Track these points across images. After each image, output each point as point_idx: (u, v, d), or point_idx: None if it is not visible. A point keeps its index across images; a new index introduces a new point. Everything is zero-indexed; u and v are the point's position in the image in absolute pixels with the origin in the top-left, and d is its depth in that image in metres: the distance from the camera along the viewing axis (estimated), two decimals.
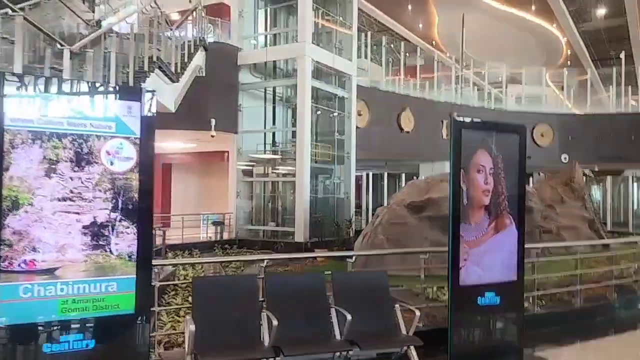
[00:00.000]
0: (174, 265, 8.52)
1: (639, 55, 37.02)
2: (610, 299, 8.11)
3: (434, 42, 38.74)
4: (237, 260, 9.71)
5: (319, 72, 17.16)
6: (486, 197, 5.31)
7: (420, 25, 36.97)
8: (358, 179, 23.46)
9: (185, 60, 12.67)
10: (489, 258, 5.34)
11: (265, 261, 5.31)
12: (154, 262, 4.56)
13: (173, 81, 11.44)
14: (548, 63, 35.17)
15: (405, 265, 10.42)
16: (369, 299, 4.80)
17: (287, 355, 3.99)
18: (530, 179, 23.68)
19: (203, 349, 4.01)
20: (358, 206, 22.65)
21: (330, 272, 5.04)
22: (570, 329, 6.75)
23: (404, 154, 23.06)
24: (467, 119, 5.50)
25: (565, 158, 26.63)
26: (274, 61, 16.22)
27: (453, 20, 34.13)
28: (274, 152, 16.12)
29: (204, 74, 15.08)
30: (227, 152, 16.44)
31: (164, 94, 10.95)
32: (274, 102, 16.32)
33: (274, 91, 16.32)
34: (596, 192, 26.22)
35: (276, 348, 4.06)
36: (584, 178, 28.71)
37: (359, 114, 20.90)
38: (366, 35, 23.05)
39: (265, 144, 16.31)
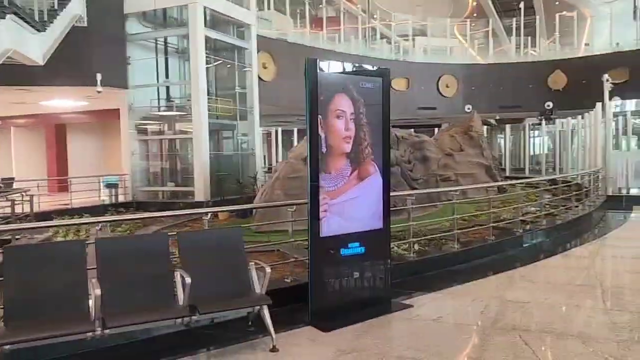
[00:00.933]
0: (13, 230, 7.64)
1: (539, 6, 38.59)
2: (488, 241, 8.33)
3: None
4: (105, 221, 8.95)
5: (216, 20, 16.22)
6: (347, 144, 5.05)
7: None
8: (268, 136, 22.96)
9: (55, 6, 11.38)
10: (352, 208, 5.13)
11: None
12: None
13: (39, 30, 10.23)
14: (455, 15, 35.74)
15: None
16: (221, 259, 4.44)
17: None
18: (436, 129, 24.20)
19: (111, 313, 3.65)
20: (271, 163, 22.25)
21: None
22: (443, 275, 6.83)
23: None
24: (325, 62, 5.14)
25: (468, 108, 27.42)
26: (164, 9, 15.06)
27: None
28: (169, 108, 15.19)
29: (85, 24, 13.74)
30: (119, 109, 15.30)
31: (27, 44, 9.77)
32: (166, 54, 15.25)
33: (166, 42, 15.22)
34: (498, 140, 27.43)
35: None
36: (487, 127, 30.07)
37: (265, 67, 20.23)
38: None
39: (159, 99, 15.32)
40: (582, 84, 24.55)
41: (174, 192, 15.20)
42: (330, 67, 5.06)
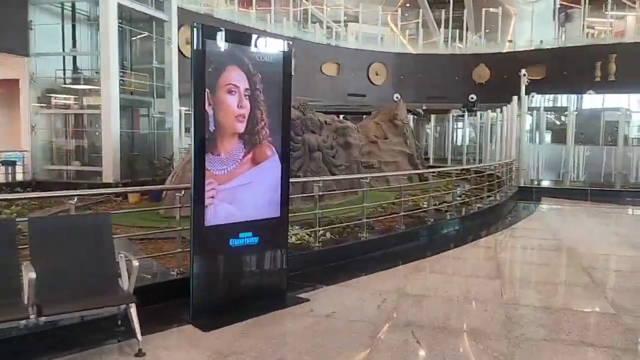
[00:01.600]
0: None
1: (468, 1, 39.47)
2: (398, 231, 8.18)
3: None
4: None
5: None
6: (240, 123, 4.57)
7: None
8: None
9: None
10: (245, 194, 4.67)
11: None
12: None
13: None
14: (388, 3, 35.83)
15: None
16: (82, 250, 3.87)
17: None
18: (365, 117, 24.11)
19: None
20: None
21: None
22: (348, 266, 6.56)
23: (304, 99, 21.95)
24: (216, 29, 4.62)
25: (397, 97, 27.64)
26: None
27: None
28: (76, 81, 13.99)
29: None
30: (19, 79, 13.92)
31: None
32: (73, 21, 13.99)
33: (74, 7, 13.96)
34: (426, 131, 27.85)
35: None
36: (414, 116, 30.50)
37: (187, 43, 19.25)
38: None
39: (64, 70, 14.08)
40: (504, 78, 25.33)
41: (80, 172, 14.11)
42: (222, 36, 4.53)
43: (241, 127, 4.58)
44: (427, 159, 24.92)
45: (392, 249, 7.60)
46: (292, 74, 5.40)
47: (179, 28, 18.55)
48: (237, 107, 4.52)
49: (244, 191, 4.66)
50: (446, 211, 10.09)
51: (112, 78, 13.15)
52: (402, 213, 8.51)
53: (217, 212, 4.49)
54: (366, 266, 6.56)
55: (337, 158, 12.95)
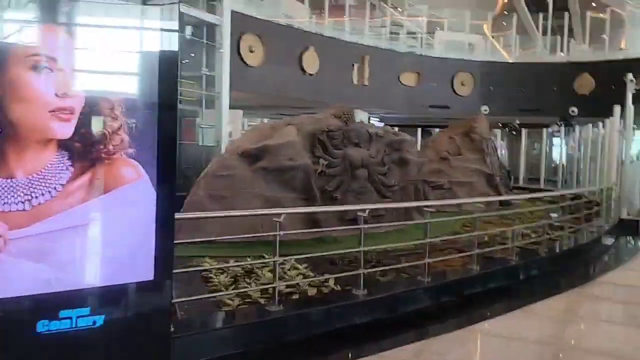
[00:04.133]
0: None
1: (573, 5, 35.49)
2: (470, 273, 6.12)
3: None
4: None
5: None
6: (62, 122, 2.83)
7: None
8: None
9: None
10: (71, 244, 2.89)
11: None
12: None
13: None
14: (485, 9, 33.00)
15: (232, 228, 8.30)
16: None
17: None
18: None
19: None
20: None
21: None
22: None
23: (305, 100, 20.61)
24: None
25: (485, 110, 24.90)
26: None
27: None
28: None
29: None
30: None
31: None
32: None
33: None
34: (513, 147, 24.81)
35: None
36: (508, 130, 27.37)
37: (251, 51, 18.27)
38: None
39: None
40: (610, 89, 21.72)
41: None
42: None
43: (63, 130, 2.81)
44: (517, 179, 21.99)
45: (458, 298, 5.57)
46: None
47: (241, 35, 17.65)
48: (54, 93, 2.78)
49: (71, 239, 2.87)
50: (527, 248, 7.82)
51: None
52: (475, 251, 6.41)
53: (10, 278, 2.71)
54: (408, 332, 4.64)
55: (389, 177, 10.97)
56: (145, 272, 3.00)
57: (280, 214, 5.28)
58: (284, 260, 6.32)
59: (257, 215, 7.92)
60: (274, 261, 4.94)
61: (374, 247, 6.68)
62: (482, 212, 8.58)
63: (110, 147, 2.83)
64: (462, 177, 14.39)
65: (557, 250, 8.41)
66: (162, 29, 3.21)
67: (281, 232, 5.07)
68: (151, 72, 2.99)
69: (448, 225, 9.01)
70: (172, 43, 3.23)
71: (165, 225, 2.98)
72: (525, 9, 38.13)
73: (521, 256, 7.41)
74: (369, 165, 10.48)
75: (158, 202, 2.94)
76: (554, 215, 10.50)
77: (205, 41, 14.47)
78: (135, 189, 2.89)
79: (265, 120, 20.42)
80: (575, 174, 18.30)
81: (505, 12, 36.39)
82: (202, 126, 14.47)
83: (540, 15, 27.71)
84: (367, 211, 6.05)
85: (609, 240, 10.60)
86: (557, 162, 22.00)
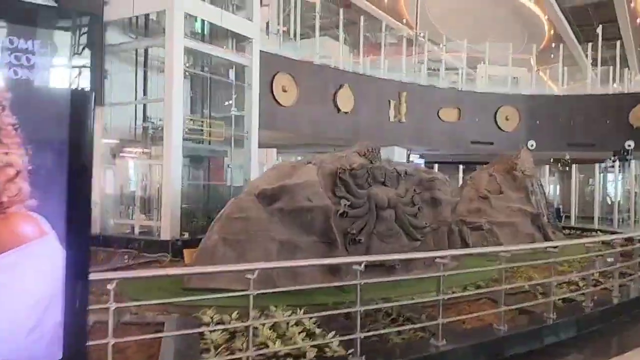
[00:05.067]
0: None
1: (627, 34, 34.03)
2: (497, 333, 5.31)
3: (404, 20, 35.81)
4: None
5: (212, 32, 14.31)
6: None
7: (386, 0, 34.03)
8: None
9: None
10: None
11: None
12: None
13: None
14: (531, 42, 32.09)
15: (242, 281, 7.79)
16: None
17: None
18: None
19: None
20: None
21: None
22: None
23: (341, 138, 20.17)
24: None
25: (532, 145, 23.70)
26: (146, 17, 13.32)
27: None
28: (146, 129, 13.22)
29: None
30: None
31: None
32: (145, 67, 13.39)
33: (146, 53, 13.39)
34: (563, 183, 23.35)
35: None
36: (561, 165, 25.85)
37: (284, 90, 18.15)
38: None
39: (136, 119, 13.42)
40: None
41: (144, 226, 13.12)
42: None
43: None
44: (567, 217, 20.56)
45: None
46: None
47: (274, 75, 17.58)
48: None
49: None
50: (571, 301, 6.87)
51: (175, 126, 12.08)
52: (502, 309, 5.61)
53: None
54: None
55: (420, 218, 10.19)
56: (53, 350, 2.43)
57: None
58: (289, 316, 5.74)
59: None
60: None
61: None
62: (532, 258, 7.68)
63: (5, 198, 2.32)
64: (503, 217, 13.38)
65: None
66: (73, 65, 2.77)
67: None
68: (59, 111, 2.49)
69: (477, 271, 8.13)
70: (84, 79, 2.78)
71: (76, 291, 2.43)
72: (574, 39, 36.92)
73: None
74: (397, 205, 9.77)
75: (67, 263, 2.40)
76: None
77: (234, 81, 14.35)
78: (37, 248, 2.35)
79: (299, 159, 20.04)
80: (633, 211, 16.80)
81: (551, 44, 35.36)
82: (231, 166, 14.18)
83: (589, 46, 26.46)
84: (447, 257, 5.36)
85: None
86: (612, 200, 20.40)
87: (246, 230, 8.39)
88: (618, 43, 25.74)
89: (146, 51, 13.38)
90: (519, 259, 9.83)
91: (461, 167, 23.00)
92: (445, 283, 8.26)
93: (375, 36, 28.96)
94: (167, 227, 11.96)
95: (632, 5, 32.67)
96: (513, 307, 5.99)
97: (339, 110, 19.92)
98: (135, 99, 13.37)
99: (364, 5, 34.07)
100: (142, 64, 13.47)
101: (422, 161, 26.64)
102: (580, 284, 7.75)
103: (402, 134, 21.92)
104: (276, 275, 8.13)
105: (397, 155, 22.66)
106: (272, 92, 17.47)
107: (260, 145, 19.21)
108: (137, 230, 13.09)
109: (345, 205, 8.99)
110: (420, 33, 25.48)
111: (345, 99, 20.12)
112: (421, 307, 6.53)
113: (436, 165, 23.31)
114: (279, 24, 21.01)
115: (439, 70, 25.28)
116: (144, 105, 13.35)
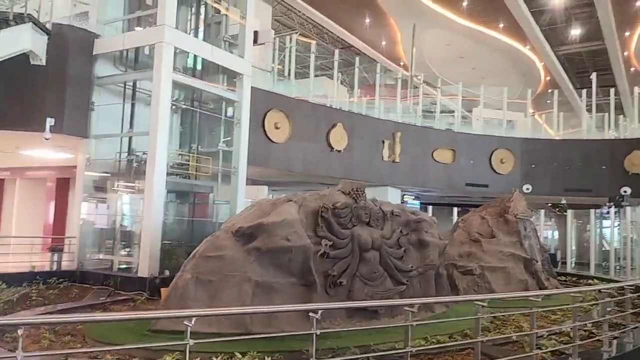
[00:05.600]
0: None
1: (621, 81, 34.37)
2: None
3: (402, 63, 36.25)
4: None
5: (204, 67, 14.25)
6: None
7: (383, 43, 34.53)
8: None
9: None
10: None
11: None
12: None
13: None
14: (527, 87, 32.32)
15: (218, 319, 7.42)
16: None
17: None
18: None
19: None
20: None
21: None
22: None
23: (332, 177, 19.91)
24: None
25: (527, 189, 23.44)
26: (137, 50, 13.25)
27: (420, 38, 31.63)
28: (130, 163, 12.95)
29: (42, 62, 12.18)
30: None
31: None
32: (133, 99, 13.22)
33: (134, 87, 13.25)
34: (560, 228, 22.96)
35: None
36: (558, 210, 25.48)
37: (276, 127, 17.98)
38: (290, 39, 20.22)
39: (120, 152, 13.17)
40: None
41: (121, 263, 12.69)
42: None
43: None
44: (564, 263, 20.11)
45: None
46: None
47: (267, 112, 17.45)
48: None
49: None
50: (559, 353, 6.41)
51: (159, 159, 11.83)
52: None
53: None
54: None
55: (406, 260, 9.80)
56: None
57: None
58: None
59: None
60: None
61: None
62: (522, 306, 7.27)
63: None
64: (495, 261, 12.96)
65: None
66: None
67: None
68: None
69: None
70: None
71: None
72: (570, 86, 37.25)
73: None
74: (382, 247, 9.40)
75: None
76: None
77: (224, 117, 14.20)
78: None
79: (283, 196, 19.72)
80: (629, 259, 16.35)
81: (547, 89, 35.61)
82: (217, 202, 13.86)
83: (584, 92, 26.58)
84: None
85: None
86: (608, 246, 19.97)
87: (220, 270, 7.98)
88: (612, 90, 25.78)
89: (134, 84, 13.24)
90: (510, 305, 9.44)
91: (456, 209, 22.66)
92: (431, 331, 7.90)
93: (373, 77, 29.21)
94: (146, 264, 11.53)
95: (626, 54, 33.09)
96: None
97: (332, 148, 19.73)
98: (122, 131, 13.14)
99: (362, 47, 34.57)
100: (130, 96, 13.30)
101: (417, 202, 26.34)
102: (570, 335, 7.30)
103: (395, 174, 21.69)
104: (249, 318, 7.70)
105: (391, 195, 22.37)
106: (264, 128, 17.30)
107: (251, 182, 19.04)
108: (115, 267, 12.66)
109: (326, 245, 8.63)
110: (416, 75, 25.55)
111: (339, 138, 19.97)
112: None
113: (430, 207, 23.02)
114: (273, 62, 21.13)
115: (434, 112, 25.26)
116: (130, 139, 13.11)
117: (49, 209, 18.06)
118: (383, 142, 21.44)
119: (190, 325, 3.79)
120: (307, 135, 18.90)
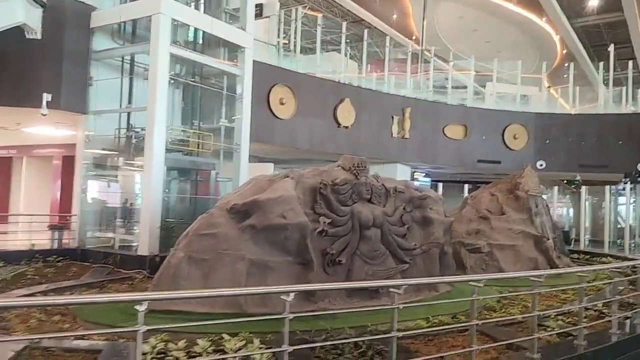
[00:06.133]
0: None
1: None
2: None
3: (414, 37, 35.34)
4: None
5: (205, 41, 13.85)
6: None
7: (395, 16, 33.63)
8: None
9: None
10: None
11: None
12: None
13: None
14: (543, 61, 31.35)
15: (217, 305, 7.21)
16: None
17: None
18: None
19: None
20: None
21: None
22: None
23: (339, 154, 19.48)
24: None
25: (541, 165, 22.86)
26: (134, 23, 12.88)
27: (432, 10, 30.76)
28: (129, 139, 12.69)
29: (38, 36, 11.88)
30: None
31: None
32: (131, 74, 12.89)
33: (132, 61, 12.91)
34: (574, 205, 22.39)
35: None
36: (573, 186, 24.88)
37: (282, 103, 17.56)
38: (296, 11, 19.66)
39: (119, 128, 12.90)
40: None
41: (125, 241, 12.53)
42: None
43: None
44: (577, 241, 19.63)
45: None
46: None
47: (272, 87, 17.04)
48: None
49: None
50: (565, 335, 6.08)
51: (157, 135, 11.54)
52: (474, 348, 4.86)
53: None
54: None
55: (410, 238, 9.46)
56: None
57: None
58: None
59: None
60: None
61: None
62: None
63: None
64: (504, 239, 12.57)
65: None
66: None
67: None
68: None
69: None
70: None
71: None
72: (587, 59, 36.09)
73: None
74: (383, 224, 9.06)
75: None
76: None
77: (225, 92, 13.83)
78: None
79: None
80: None
81: (564, 63, 34.56)
82: (219, 179, 13.59)
83: (601, 65, 25.66)
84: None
85: None
86: (623, 224, 19.42)
87: (214, 248, 7.72)
88: (630, 63, 24.81)
89: (132, 58, 12.90)
90: (519, 283, 9.09)
91: (467, 186, 22.17)
92: (434, 311, 7.60)
93: (384, 52, 28.51)
94: (146, 242, 11.34)
95: None
96: (494, 344, 5.22)
97: (339, 124, 19.28)
98: (120, 107, 12.86)
99: (373, 21, 33.71)
100: (128, 71, 12.98)
101: (427, 180, 25.87)
102: (577, 316, 6.95)
103: (405, 150, 21.22)
104: (244, 299, 7.47)
105: (401, 172, 21.95)
106: (269, 104, 16.91)
107: (257, 159, 18.73)
108: (117, 245, 12.52)
109: (324, 223, 8.31)
110: (427, 49, 24.83)
111: (346, 114, 19.50)
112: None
113: (440, 185, 22.56)
114: (280, 37, 20.61)
115: (446, 87, 24.58)
116: (128, 114, 12.83)
117: (56, 187, 17.94)
118: (392, 117, 20.92)
119: (142, 310, 3.48)
120: (313, 111, 18.47)
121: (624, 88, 25.29)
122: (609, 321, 6.87)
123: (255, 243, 7.81)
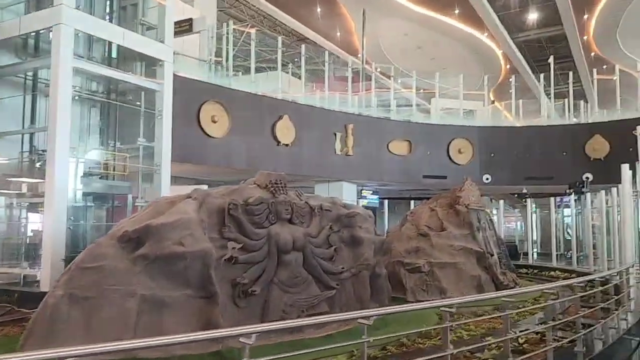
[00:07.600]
0: None
1: (582, 66, 33.99)
2: None
3: (359, 55, 35.09)
4: None
5: (121, 54, 12.77)
6: None
7: (339, 34, 33.35)
8: None
9: None
10: None
11: None
12: None
13: None
14: (488, 75, 31.50)
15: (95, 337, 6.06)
16: None
17: None
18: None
19: None
20: None
21: None
22: None
23: (281, 172, 18.51)
24: None
25: (487, 179, 22.56)
26: (38, 36, 11.69)
27: (376, 28, 30.55)
28: (32, 163, 11.38)
29: None
30: None
31: None
32: (34, 91, 11.66)
33: (35, 77, 11.69)
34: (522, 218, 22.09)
35: None
36: (520, 198, 24.67)
37: (214, 121, 16.51)
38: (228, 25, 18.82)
39: (22, 152, 11.58)
40: (628, 152, 19.30)
41: (26, 276, 11.13)
42: None
43: None
44: (526, 255, 19.22)
45: None
46: None
47: (202, 104, 16.02)
48: None
49: None
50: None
51: (59, 158, 10.31)
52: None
53: None
54: None
55: (338, 260, 8.56)
56: None
57: None
58: None
59: None
60: None
61: None
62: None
63: None
64: (445, 257, 11.84)
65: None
66: None
67: None
68: None
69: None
70: None
71: None
72: (530, 72, 36.66)
73: None
74: (306, 246, 8.13)
75: None
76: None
77: (143, 109, 12.73)
78: None
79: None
80: (591, 248, 15.45)
81: (508, 78, 34.98)
82: (138, 203, 12.39)
83: (542, 77, 25.87)
84: None
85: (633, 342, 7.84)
86: (570, 236, 19.16)
87: (99, 284, 6.58)
88: (570, 74, 25.08)
89: (35, 74, 11.68)
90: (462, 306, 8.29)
91: (412, 202, 21.59)
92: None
93: (329, 69, 27.98)
94: (47, 277, 10.01)
95: (585, 38, 32.62)
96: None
97: (278, 142, 18.38)
98: (23, 127, 11.57)
99: (318, 39, 33.31)
100: (31, 88, 11.74)
101: (375, 197, 25.21)
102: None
103: (349, 168, 20.48)
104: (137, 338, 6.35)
105: (347, 190, 21.18)
106: (199, 122, 15.87)
107: (188, 182, 17.54)
108: (20, 281, 11.10)
109: (234, 248, 7.31)
110: (369, 63, 24.41)
111: (285, 131, 18.64)
112: None
113: (386, 202, 21.93)
114: (219, 55, 19.72)
115: (389, 105, 24.12)
116: (31, 136, 11.55)
117: None
118: (335, 134, 20.20)
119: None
120: (249, 129, 17.52)
121: (566, 100, 25.51)
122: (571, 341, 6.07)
123: (148, 276, 6.71)
